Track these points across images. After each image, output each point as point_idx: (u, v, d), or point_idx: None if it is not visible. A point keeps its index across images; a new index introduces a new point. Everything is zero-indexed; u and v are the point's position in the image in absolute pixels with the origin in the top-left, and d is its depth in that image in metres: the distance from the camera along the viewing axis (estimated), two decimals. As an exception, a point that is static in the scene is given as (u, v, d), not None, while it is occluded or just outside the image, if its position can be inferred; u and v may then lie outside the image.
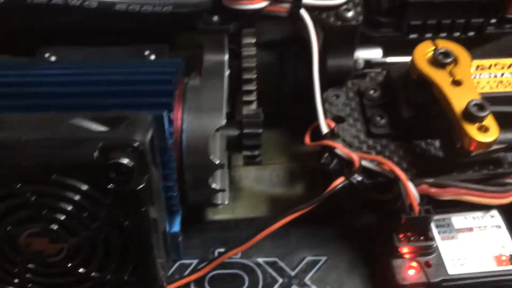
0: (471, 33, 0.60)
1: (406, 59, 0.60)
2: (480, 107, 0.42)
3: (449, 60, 0.46)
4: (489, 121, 0.42)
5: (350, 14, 0.49)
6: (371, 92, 0.52)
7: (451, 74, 0.45)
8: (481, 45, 0.61)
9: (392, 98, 0.50)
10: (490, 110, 0.42)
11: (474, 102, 0.42)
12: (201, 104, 0.47)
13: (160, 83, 0.46)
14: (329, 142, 0.46)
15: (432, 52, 0.47)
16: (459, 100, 0.43)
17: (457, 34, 0.60)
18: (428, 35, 0.60)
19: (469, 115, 0.41)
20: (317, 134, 0.50)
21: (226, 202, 0.50)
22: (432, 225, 0.49)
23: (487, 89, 0.47)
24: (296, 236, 0.52)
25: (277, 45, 0.55)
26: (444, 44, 0.47)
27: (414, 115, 0.48)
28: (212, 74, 0.50)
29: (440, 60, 0.46)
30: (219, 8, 0.48)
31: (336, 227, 0.53)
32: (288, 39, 0.55)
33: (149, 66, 0.49)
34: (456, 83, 0.45)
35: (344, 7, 0.49)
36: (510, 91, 0.47)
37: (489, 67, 0.49)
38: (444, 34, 0.60)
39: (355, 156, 0.45)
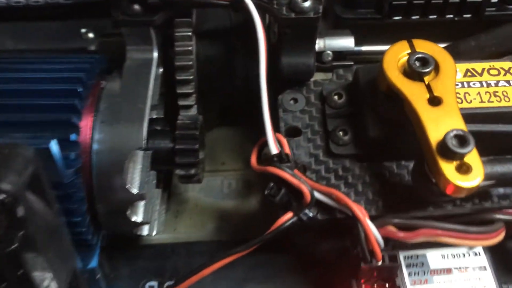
0: (467, 15, 0.50)
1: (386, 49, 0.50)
2: (462, 140, 0.32)
3: (427, 69, 0.36)
4: (472, 158, 0.32)
5: (306, 4, 0.38)
6: (335, 97, 0.42)
7: (429, 88, 0.35)
8: (476, 33, 0.51)
9: (359, 108, 0.40)
10: (474, 145, 0.32)
11: (454, 133, 0.32)
12: (117, 116, 0.38)
13: (64, 95, 0.37)
14: (274, 170, 0.37)
15: (407, 57, 0.36)
16: (436, 125, 0.33)
17: (450, 16, 0.50)
18: (415, 17, 0.50)
19: (447, 150, 0.32)
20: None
21: (154, 233, 0.42)
22: (402, 263, 0.40)
23: (476, 103, 0.37)
24: (243, 268, 0.44)
25: (224, 35, 0.45)
26: (423, 46, 0.37)
27: (382, 134, 0.38)
28: (135, 76, 0.40)
29: (415, 69, 0.36)
30: (140, -5, 0.38)
31: (289, 258, 0.44)
32: (237, 28, 0.44)
33: (56, 69, 0.39)
34: (434, 101, 0.35)
35: (299, -6, 0.39)
36: (506, 107, 0.37)
37: (482, 73, 0.39)
38: (434, 17, 0.50)
39: (305, 188, 0.36)
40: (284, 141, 0.40)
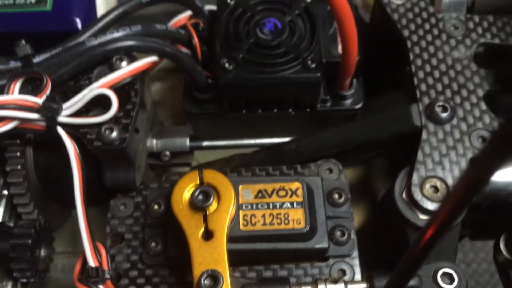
0: (304, 110, 0.54)
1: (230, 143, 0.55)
2: (215, 281, 0.37)
3: (206, 204, 0.40)
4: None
5: (113, 134, 0.43)
6: (155, 207, 0.47)
7: (205, 220, 0.40)
8: (314, 127, 0.56)
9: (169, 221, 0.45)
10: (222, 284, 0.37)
11: (208, 273, 0.37)
12: None
13: None
14: (79, 286, 0.42)
15: (193, 189, 0.41)
16: (201, 262, 0.38)
17: (290, 110, 0.54)
18: (259, 111, 0.54)
19: (199, 291, 0.37)
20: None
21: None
22: None
23: (259, 226, 0.42)
24: None
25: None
26: (212, 178, 0.41)
27: (179, 254, 0.43)
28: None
29: (197, 204, 0.40)
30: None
31: None
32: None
33: None
34: (207, 235, 0.39)
35: (106, 126, 0.43)
36: (283, 229, 0.42)
37: (271, 194, 0.43)
38: (275, 111, 0.54)
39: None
40: (102, 252, 0.45)
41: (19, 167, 0.46)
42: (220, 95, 0.53)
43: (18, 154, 0.46)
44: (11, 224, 0.50)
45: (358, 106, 0.54)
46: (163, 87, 0.66)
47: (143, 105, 0.49)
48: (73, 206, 0.51)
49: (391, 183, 0.46)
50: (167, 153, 0.52)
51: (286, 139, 0.53)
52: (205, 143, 0.54)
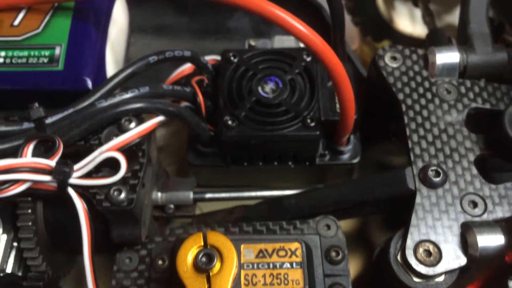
0: (304, 163, 0.56)
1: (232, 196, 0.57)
2: None
3: (210, 266, 0.42)
4: None
5: (121, 196, 0.45)
6: (160, 262, 0.49)
7: (209, 282, 0.42)
8: (313, 178, 0.58)
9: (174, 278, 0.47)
10: None
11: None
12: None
13: None
14: None
15: (197, 251, 0.43)
16: (204, 324, 0.40)
17: (289, 163, 0.56)
18: (260, 163, 0.56)
19: None
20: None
21: None
22: None
23: (259, 286, 0.44)
24: None
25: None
26: (216, 240, 0.43)
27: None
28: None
29: (200, 266, 0.42)
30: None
31: None
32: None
33: None
34: (211, 297, 0.41)
35: (115, 187, 0.45)
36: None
37: (272, 254, 0.45)
38: (275, 164, 0.56)
39: None
40: (108, 304, 0.46)
41: (30, 223, 0.47)
42: (222, 149, 0.55)
43: (29, 211, 0.47)
44: (20, 274, 0.52)
45: (355, 161, 0.56)
46: (166, 132, 0.69)
47: (149, 159, 0.51)
48: (79, 253, 0.53)
49: (386, 240, 0.48)
50: (171, 206, 0.54)
51: (287, 192, 0.55)
52: (208, 195, 0.56)
